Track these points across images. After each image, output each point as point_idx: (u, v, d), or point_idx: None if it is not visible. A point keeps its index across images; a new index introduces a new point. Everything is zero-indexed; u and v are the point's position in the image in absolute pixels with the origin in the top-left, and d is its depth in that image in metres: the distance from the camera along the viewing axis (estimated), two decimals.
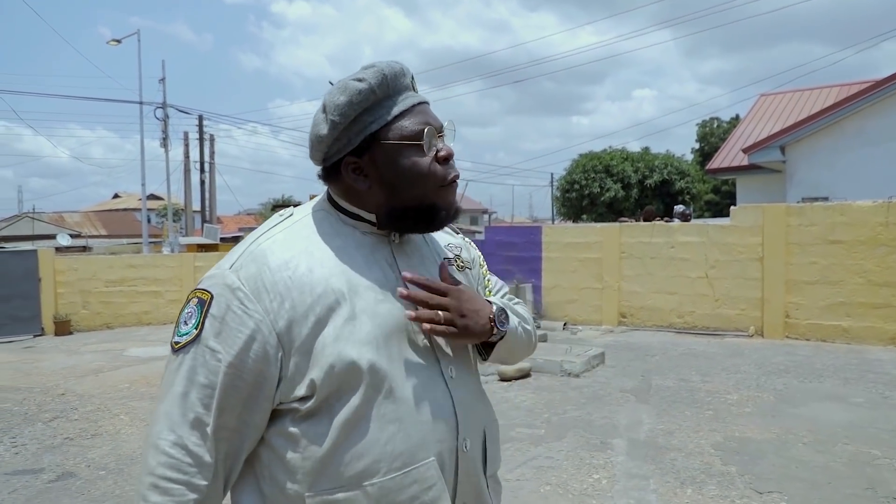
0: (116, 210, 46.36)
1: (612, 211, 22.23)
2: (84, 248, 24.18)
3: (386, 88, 1.06)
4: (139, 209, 27.52)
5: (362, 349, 1.00)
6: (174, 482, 0.97)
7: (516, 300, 1.35)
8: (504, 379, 6.55)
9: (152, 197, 34.21)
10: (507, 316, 1.17)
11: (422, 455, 1.03)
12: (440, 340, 1.09)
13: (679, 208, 11.27)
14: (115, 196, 55.40)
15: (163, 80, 20.84)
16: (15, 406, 6.18)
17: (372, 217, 1.11)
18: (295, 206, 1.21)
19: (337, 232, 1.10)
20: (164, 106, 20.82)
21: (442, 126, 1.11)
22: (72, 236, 27.31)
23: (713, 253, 9.01)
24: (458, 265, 1.22)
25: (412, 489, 1.02)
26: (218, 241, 17.08)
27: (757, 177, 14.35)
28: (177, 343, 1.03)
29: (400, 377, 1.02)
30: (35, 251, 12.05)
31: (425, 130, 1.07)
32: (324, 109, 1.06)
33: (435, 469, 1.04)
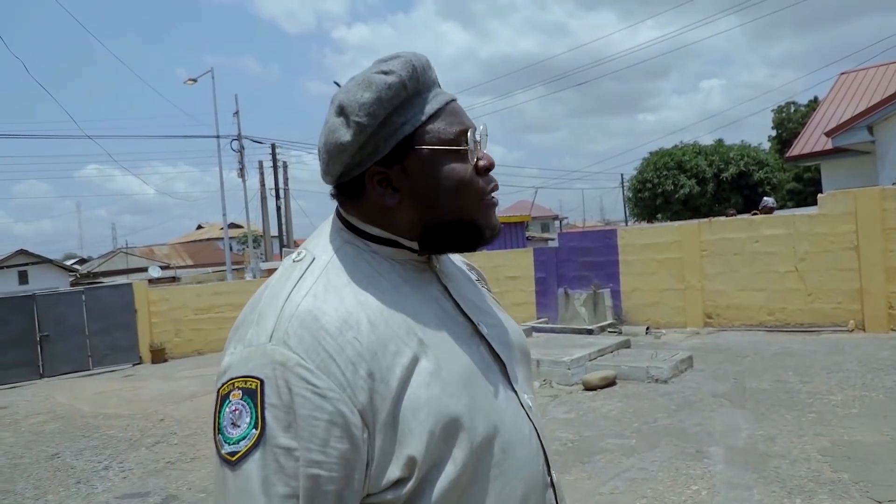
0: (200, 240, 48.70)
1: (687, 208, 21.50)
2: (173, 279, 25.55)
3: (416, 82, 0.87)
4: (221, 238, 28.83)
5: (459, 402, 0.82)
6: None
7: None
8: (589, 388, 6.40)
9: (233, 225, 35.78)
10: None
11: (527, 500, 0.89)
12: (511, 368, 0.94)
13: (767, 201, 10.76)
14: (199, 227, 58.21)
15: (236, 113, 21.81)
16: (120, 432, 6.55)
17: (413, 244, 0.92)
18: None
19: (377, 270, 0.89)
20: (238, 138, 21.76)
21: (477, 129, 0.93)
22: (161, 268, 28.91)
23: (802, 245, 8.53)
24: (488, 290, 1.12)
25: None
26: None
27: (843, 161, 13.51)
28: (231, 454, 0.75)
29: (492, 424, 0.85)
30: (130, 285, 12.81)
31: (467, 133, 0.89)
32: (342, 111, 0.86)
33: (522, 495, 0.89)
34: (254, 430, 0.75)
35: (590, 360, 6.94)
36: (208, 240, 47.40)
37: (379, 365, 0.79)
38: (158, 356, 12.04)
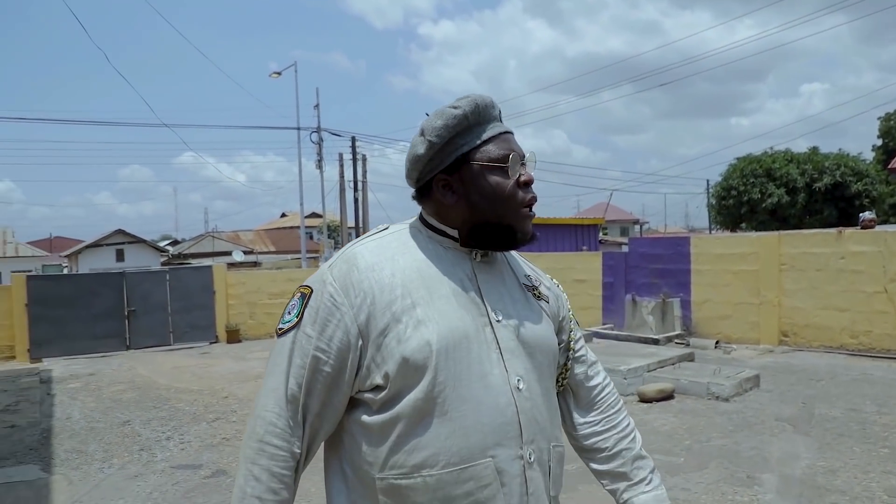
0: (283, 228, 50.56)
1: (775, 218, 20.39)
2: (255, 264, 26.66)
3: (477, 116, 1.17)
4: (305, 227, 29.83)
5: (432, 346, 1.07)
6: (279, 448, 1.11)
7: (590, 354, 1.39)
8: (644, 400, 6.21)
9: (314, 215, 36.94)
10: (661, 486, 1.32)
11: (479, 455, 1.08)
12: (512, 354, 1.14)
13: (866, 215, 10.06)
14: (283, 215, 60.43)
15: (317, 106, 22.45)
16: (187, 406, 6.92)
17: (455, 233, 1.20)
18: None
19: (423, 246, 1.20)
20: (318, 130, 22.40)
21: (524, 155, 1.21)
22: (245, 253, 30.25)
23: (894, 264, 7.92)
24: (535, 294, 1.27)
25: (468, 485, 1.07)
26: None
27: None
28: (280, 329, 1.16)
29: (464, 380, 1.09)
30: (210, 267, 13.47)
31: (511, 156, 1.16)
32: (422, 133, 1.17)
33: (491, 470, 1.08)
34: (295, 319, 1.14)
35: (648, 371, 6.72)
36: (290, 227, 49.09)
37: (384, 299, 1.10)
38: (233, 336, 12.61)
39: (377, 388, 1.10)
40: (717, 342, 9.14)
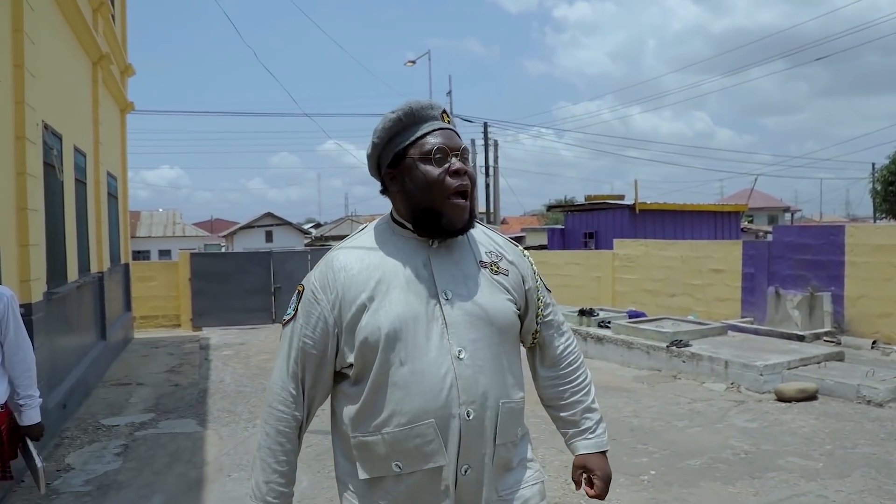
0: None
1: None
2: None
3: (412, 117, 1.37)
4: None
5: (381, 331, 1.31)
6: (283, 412, 1.42)
7: (558, 316, 1.58)
8: (782, 399, 5.80)
9: None
10: (603, 435, 1.57)
11: (423, 416, 1.31)
12: (457, 327, 1.34)
13: None
14: None
15: (449, 93, 22.83)
16: None
17: (408, 224, 1.41)
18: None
19: (387, 240, 1.42)
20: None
21: (461, 147, 1.38)
22: None
23: None
24: (492, 268, 1.44)
25: (416, 441, 1.32)
26: None
27: None
28: (284, 321, 1.46)
29: (412, 354, 1.32)
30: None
31: (436, 147, 1.34)
32: (373, 134, 1.41)
33: (433, 429, 1.31)
34: (292, 312, 1.43)
35: (788, 369, 6.25)
36: None
37: (352, 293, 1.35)
38: None
39: (350, 366, 1.37)
40: (874, 342, 8.26)
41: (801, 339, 8.05)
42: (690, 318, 9.12)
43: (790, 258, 9.44)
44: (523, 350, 1.57)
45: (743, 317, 9.92)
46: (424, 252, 1.40)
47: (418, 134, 1.36)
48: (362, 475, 1.37)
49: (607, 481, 1.52)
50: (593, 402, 1.57)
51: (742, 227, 18.35)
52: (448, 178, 1.34)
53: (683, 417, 5.42)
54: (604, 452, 1.55)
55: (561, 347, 1.55)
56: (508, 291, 1.44)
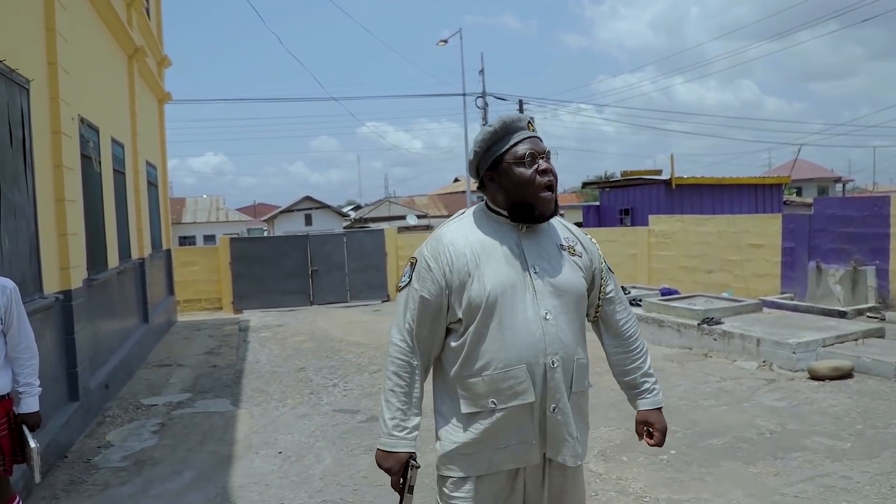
0: (455, 192, 52.02)
1: None
2: (428, 227, 27.89)
3: (505, 129, 1.72)
4: (474, 191, 30.46)
5: (486, 292, 1.65)
6: (402, 361, 1.75)
7: (619, 293, 1.92)
8: (815, 377, 5.67)
9: None
10: (659, 394, 1.92)
11: (516, 362, 1.65)
12: (543, 295, 1.68)
13: None
14: (456, 180, 62.06)
15: (482, 71, 22.59)
16: (354, 357, 7.60)
17: (505, 213, 1.75)
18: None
19: (486, 224, 1.78)
20: (483, 95, 22.58)
21: (546, 150, 1.72)
22: (418, 217, 31.71)
23: None
24: (569, 251, 1.79)
25: (509, 381, 1.65)
26: None
27: None
28: (399, 287, 1.82)
29: (508, 313, 1.66)
30: (382, 231, 14.38)
31: (527, 153, 1.69)
32: (473, 144, 1.77)
33: (524, 373, 1.65)
34: (407, 280, 1.77)
35: (823, 347, 6.09)
36: (462, 192, 50.30)
37: (459, 262, 1.69)
38: None
39: (458, 321, 1.70)
40: None
41: (842, 315, 7.82)
42: (724, 295, 8.93)
43: (832, 231, 9.14)
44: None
45: (783, 293, 9.67)
46: (516, 234, 1.74)
47: (511, 143, 1.70)
48: (464, 409, 1.70)
49: (664, 433, 1.86)
50: (650, 367, 1.91)
51: (785, 200, 17.76)
52: (538, 177, 1.68)
53: (710, 396, 5.36)
54: (660, 409, 1.89)
55: (622, 320, 1.89)
56: (582, 270, 1.78)
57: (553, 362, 1.66)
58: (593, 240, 1.92)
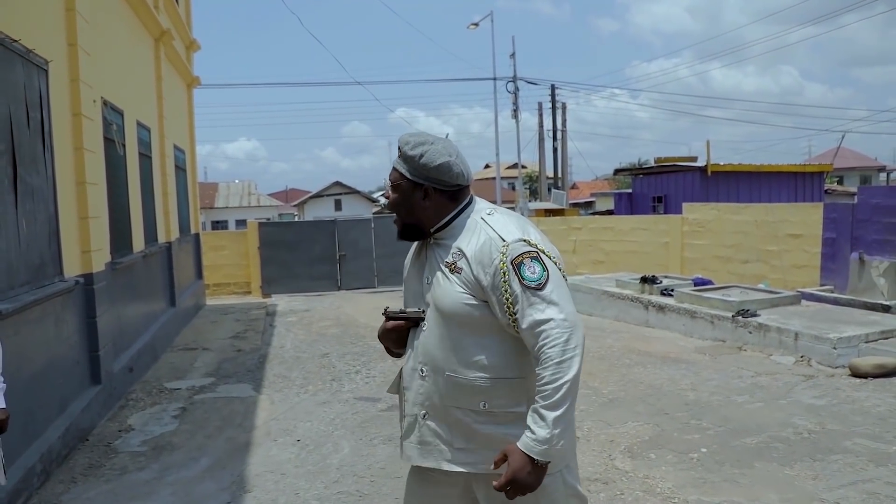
0: (485, 179, 51.70)
1: None
2: None
3: None
4: (505, 177, 30.19)
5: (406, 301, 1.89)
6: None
7: (537, 315, 1.59)
8: (857, 374, 5.40)
9: (517, 166, 37.13)
10: (535, 437, 1.54)
11: (405, 364, 1.80)
12: (431, 306, 1.73)
13: None
14: (486, 166, 61.71)
15: (512, 55, 22.22)
16: (378, 344, 7.48)
17: None
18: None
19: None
20: (514, 80, 22.23)
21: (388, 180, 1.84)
22: None
23: None
24: (449, 267, 1.70)
25: (406, 375, 1.80)
26: (565, 207, 17.68)
27: None
28: (539, 285, 1.60)
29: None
30: None
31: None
32: (452, 155, 1.82)
33: (408, 371, 1.78)
34: (545, 272, 1.61)
35: (866, 342, 5.79)
36: (492, 179, 49.95)
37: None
38: None
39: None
40: None
41: (886, 309, 7.46)
42: (761, 286, 8.61)
43: (877, 222, 8.72)
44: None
45: (822, 285, 9.29)
46: (427, 245, 1.82)
47: None
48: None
49: (512, 481, 1.52)
50: (549, 405, 1.54)
51: (826, 188, 17.12)
52: None
53: (744, 392, 5.13)
54: (528, 456, 1.53)
55: (536, 347, 1.59)
56: (461, 285, 1.68)
57: (422, 371, 1.74)
58: (504, 255, 1.63)
